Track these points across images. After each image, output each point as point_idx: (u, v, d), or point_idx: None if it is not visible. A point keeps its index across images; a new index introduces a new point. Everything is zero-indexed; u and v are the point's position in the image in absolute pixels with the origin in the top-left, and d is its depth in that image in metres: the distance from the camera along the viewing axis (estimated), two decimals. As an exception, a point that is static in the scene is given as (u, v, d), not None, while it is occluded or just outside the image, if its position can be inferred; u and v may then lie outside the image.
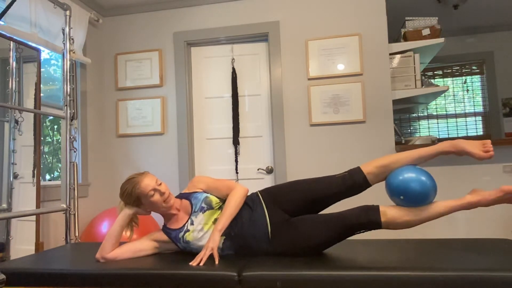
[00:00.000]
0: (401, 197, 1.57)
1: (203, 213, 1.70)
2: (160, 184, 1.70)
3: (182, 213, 1.75)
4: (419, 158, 1.65)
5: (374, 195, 2.48)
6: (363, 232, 1.60)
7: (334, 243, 1.62)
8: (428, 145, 2.73)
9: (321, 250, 1.63)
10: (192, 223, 1.69)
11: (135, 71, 3.31)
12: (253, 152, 3.17)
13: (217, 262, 1.52)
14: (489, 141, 1.60)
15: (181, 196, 1.80)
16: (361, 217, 1.57)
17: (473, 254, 1.53)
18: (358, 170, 1.67)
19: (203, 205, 1.71)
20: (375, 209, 1.58)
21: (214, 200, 1.73)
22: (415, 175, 1.57)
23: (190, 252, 1.71)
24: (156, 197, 1.66)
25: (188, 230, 1.69)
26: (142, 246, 1.73)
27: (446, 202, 1.59)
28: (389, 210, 1.58)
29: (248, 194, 1.79)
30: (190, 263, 1.51)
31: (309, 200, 1.68)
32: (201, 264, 1.50)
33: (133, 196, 1.67)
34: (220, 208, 1.72)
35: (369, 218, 1.56)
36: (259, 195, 1.75)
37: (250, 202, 1.72)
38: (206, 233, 1.67)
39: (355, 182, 1.65)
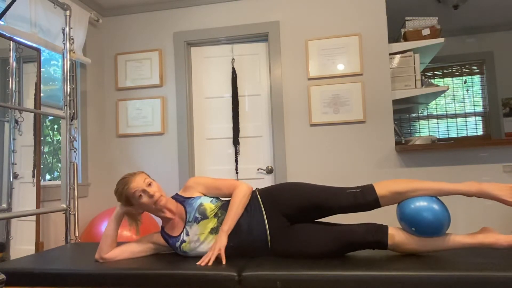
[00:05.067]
0: (413, 229, 1.51)
1: (197, 223, 1.65)
2: (150, 184, 1.65)
3: (177, 219, 1.71)
4: (439, 192, 1.54)
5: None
6: (367, 249, 1.57)
7: (334, 255, 1.58)
8: (427, 145, 2.74)
9: (321, 258, 1.59)
10: (187, 234, 1.66)
11: (135, 71, 3.31)
12: (253, 152, 3.17)
13: (224, 262, 1.53)
14: None
15: (176, 199, 1.75)
16: (368, 236, 1.53)
17: (473, 254, 1.53)
18: (371, 190, 1.58)
19: (197, 215, 1.66)
20: (383, 231, 1.53)
21: (209, 208, 1.67)
22: (429, 206, 1.49)
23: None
24: (145, 199, 1.63)
25: (184, 241, 1.66)
26: (140, 247, 1.73)
27: (457, 237, 1.52)
28: (398, 235, 1.53)
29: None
30: (198, 263, 1.51)
31: (314, 208, 1.62)
32: (209, 264, 1.50)
33: (123, 196, 1.66)
34: (216, 215, 1.66)
35: (376, 239, 1.52)
36: (258, 197, 1.70)
37: (248, 206, 1.67)
38: (202, 243, 1.64)
39: (366, 202, 1.57)
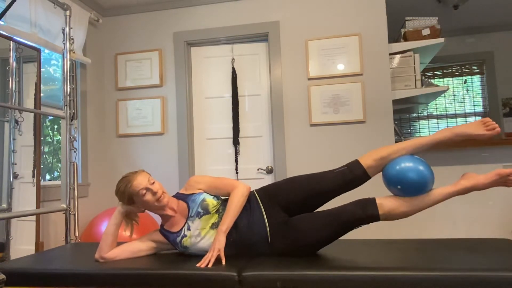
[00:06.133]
0: (398, 187, 1.58)
1: (199, 218, 1.67)
2: (153, 183, 1.67)
3: (178, 216, 1.72)
4: (419, 147, 1.65)
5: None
6: (362, 226, 1.60)
7: (333, 239, 1.62)
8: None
9: (321, 247, 1.63)
10: (189, 228, 1.67)
11: (135, 71, 3.31)
12: (253, 152, 3.17)
13: (224, 263, 1.53)
14: (488, 119, 1.60)
15: (178, 197, 1.77)
16: (358, 213, 1.58)
17: (473, 254, 1.52)
18: (357, 164, 1.67)
19: (200, 210, 1.68)
20: (371, 203, 1.59)
21: (211, 203, 1.69)
22: (413, 165, 1.57)
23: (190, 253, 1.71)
24: (148, 196, 1.64)
25: (185, 235, 1.67)
26: (140, 246, 1.73)
27: (441, 189, 1.61)
28: (386, 202, 1.58)
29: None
30: (197, 265, 1.50)
31: (309, 197, 1.68)
32: (209, 265, 1.50)
33: (126, 195, 1.66)
34: (217, 211, 1.69)
35: (367, 213, 1.57)
36: (256, 195, 1.73)
37: (247, 204, 1.70)
38: (203, 238, 1.65)
39: (355, 176, 1.66)
